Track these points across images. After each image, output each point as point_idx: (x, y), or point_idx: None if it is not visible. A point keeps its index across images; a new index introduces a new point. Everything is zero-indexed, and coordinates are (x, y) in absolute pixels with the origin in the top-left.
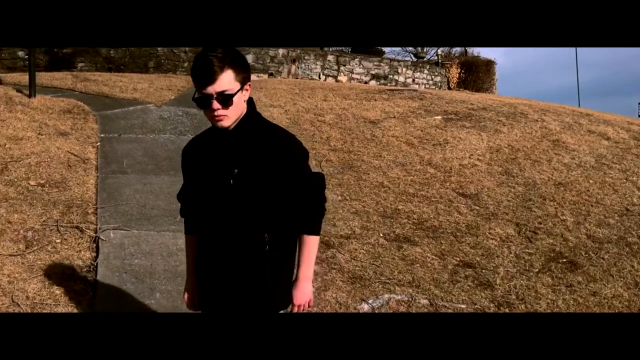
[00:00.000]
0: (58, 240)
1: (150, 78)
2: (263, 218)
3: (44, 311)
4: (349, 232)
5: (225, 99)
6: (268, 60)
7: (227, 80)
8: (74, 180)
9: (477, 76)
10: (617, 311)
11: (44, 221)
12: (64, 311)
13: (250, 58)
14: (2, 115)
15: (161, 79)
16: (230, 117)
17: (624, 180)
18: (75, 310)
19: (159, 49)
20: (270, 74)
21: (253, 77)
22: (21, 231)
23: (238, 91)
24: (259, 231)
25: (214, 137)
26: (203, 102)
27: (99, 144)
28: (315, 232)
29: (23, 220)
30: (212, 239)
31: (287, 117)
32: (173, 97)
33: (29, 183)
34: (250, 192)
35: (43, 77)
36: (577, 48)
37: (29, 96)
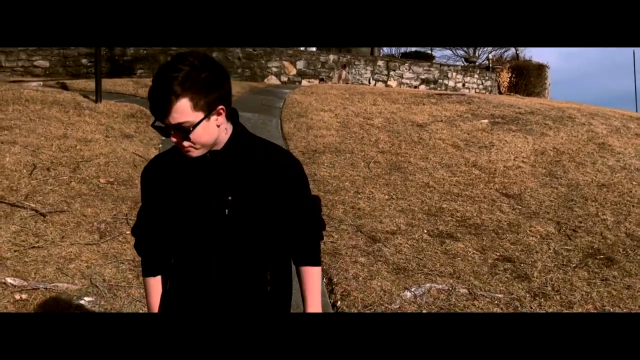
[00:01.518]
0: (128, 232)
1: None
2: (263, 252)
3: (118, 292)
4: (395, 229)
5: (184, 131)
6: (319, 66)
7: (183, 111)
8: (139, 178)
9: (528, 80)
10: None
11: (114, 215)
12: (137, 294)
13: (301, 64)
14: (71, 119)
15: None
16: (198, 147)
17: None
18: (131, 290)
19: (213, 55)
20: (321, 79)
21: (304, 82)
22: (95, 223)
23: (202, 120)
24: (259, 267)
25: (194, 158)
26: (163, 131)
27: (160, 145)
28: (319, 262)
29: (96, 213)
30: (197, 279)
31: (338, 120)
32: None
33: (99, 181)
34: (249, 223)
35: (106, 83)
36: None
37: (95, 101)
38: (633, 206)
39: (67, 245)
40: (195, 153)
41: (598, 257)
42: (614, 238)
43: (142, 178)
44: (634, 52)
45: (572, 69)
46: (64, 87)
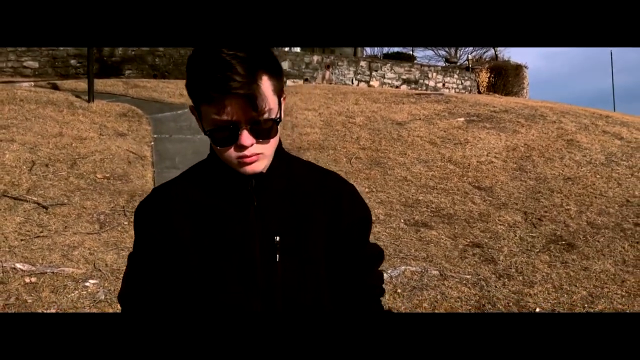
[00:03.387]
0: (126, 222)
1: None
2: (317, 308)
3: (120, 275)
4: (374, 219)
5: (264, 128)
6: (303, 67)
7: (267, 96)
8: (134, 174)
9: (506, 80)
10: (602, 283)
11: (112, 207)
12: None
13: (286, 64)
14: (66, 118)
15: None
16: (266, 155)
17: (629, 176)
18: None
19: None
20: (306, 80)
21: (289, 82)
22: (94, 215)
23: (279, 112)
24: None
25: (220, 187)
26: (224, 136)
27: (152, 143)
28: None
29: (95, 206)
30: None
31: (321, 119)
32: None
33: (96, 176)
34: (302, 272)
35: (96, 84)
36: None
37: (88, 101)
38: (595, 197)
39: (70, 234)
40: (260, 165)
41: (560, 243)
42: (575, 226)
43: (142, 218)
44: (611, 53)
45: (553, 69)
46: (55, 88)
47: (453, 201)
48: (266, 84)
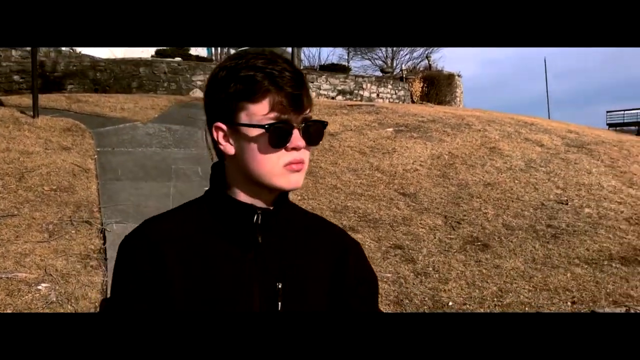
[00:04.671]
0: (73, 231)
1: (134, 98)
2: None
3: (70, 279)
4: None
5: (315, 130)
6: None
7: (311, 98)
8: (79, 186)
9: (438, 89)
10: (511, 279)
11: (60, 217)
12: (85, 280)
13: None
14: (12, 133)
15: (144, 99)
16: (306, 168)
17: (546, 181)
18: (95, 278)
19: (140, 70)
20: None
21: None
22: (44, 224)
23: None
24: None
25: (221, 221)
26: (277, 134)
27: (96, 156)
28: None
29: (43, 217)
30: None
31: None
32: (156, 115)
33: (43, 189)
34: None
35: (40, 99)
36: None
37: (33, 117)
38: (512, 201)
39: (22, 242)
40: (302, 179)
41: (476, 243)
42: (492, 228)
43: (130, 254)
44: (545, 60)
45: (490, 77)
46: (0, 103)
47: (379, 207)
48: (309, 91)
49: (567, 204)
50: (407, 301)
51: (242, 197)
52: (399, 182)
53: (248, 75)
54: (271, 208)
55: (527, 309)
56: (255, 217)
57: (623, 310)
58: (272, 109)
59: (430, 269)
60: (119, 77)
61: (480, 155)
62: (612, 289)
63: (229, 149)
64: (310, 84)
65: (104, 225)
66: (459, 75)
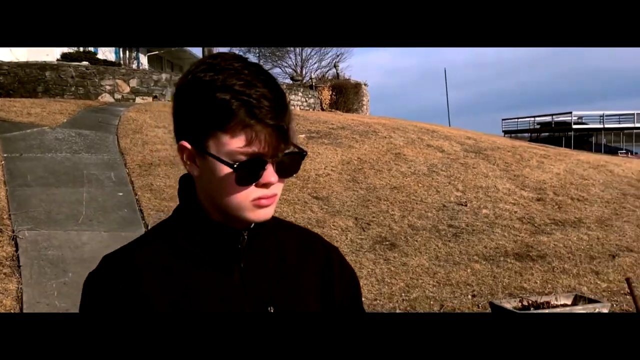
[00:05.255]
0: None
1: (41, 103)
2: None
3: None
4: None
5: (290, 163)
6: (152, 84)
7: (291, 127)
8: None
9: (347, 98)
10: (417, 275)
11: None
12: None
13: (134, 82)
14: None
15: (52, 104)
16: (278, 198)
17: (447, 184)
18: (9, 285)
19: (46, 74)
20: (155, 97)
21: (138, 100)
22: None
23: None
24: None
25: (201, 245)
26: (246, 173)
27: (3, 162)
28: None
29: None
30: None
31: (171, 136)
32: (65, 120)
33: None
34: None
35: None
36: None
37: None
38: (417, 203)
39: None
40: (272, 211)
41: (384, 243)
42: (398, 228)
43: (105, 298)
44: (445, 70)
45: (395, 86)
46: None
47: (294, 210)
48: (291, 117)
49: (466, 205)
50: None
51: (217, 216)
52: (312, 186)
53: (222, 101)
54: (251, 226)
55: (431, 302)
56: (240, 240)
57: (517, 301)
58: (246, 144)
59: None
60: (24, 81)
61: (386, 160)
62: (507, 282)
63: (194, 170)
64: None
65: (15, 232)
66: (365, 84)
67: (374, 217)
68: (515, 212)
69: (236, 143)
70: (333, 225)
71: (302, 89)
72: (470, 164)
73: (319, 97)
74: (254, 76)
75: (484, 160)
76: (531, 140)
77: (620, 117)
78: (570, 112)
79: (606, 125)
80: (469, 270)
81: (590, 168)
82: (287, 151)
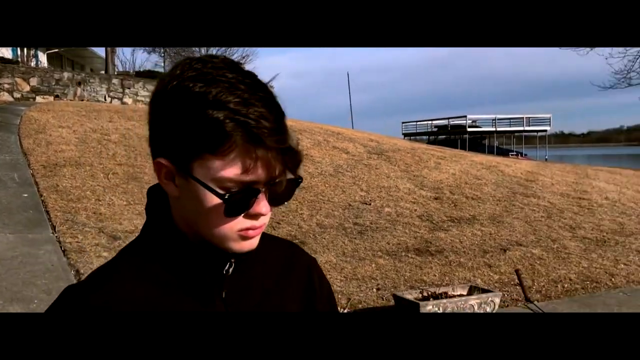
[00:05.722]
0: None
1: None
2: None
3: None
4: (133, 228)
5: (283, 192)
6: (53, 83)
7: (291, 149)
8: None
9: None
10: (325, 271)
11: None
12: None
13: (35, 81)
14: None
15: None
16: (265, 226)
17: (352, 184)
18: None
19: None
20: (56, 96)
21: (39, 99)
22: None
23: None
24: None
25: (181, 274)
26: (238, 202)
27: None
28: None
29: None
30: None
31: (76, 136)
32: None
33: None
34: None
35: None
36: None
37: None
38: (324, 203)
39: None
40: (257, 241)
41: (294, 241)
42: (307, 227)
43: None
44: (348, 74)
45: (303, 88)
46: None
47: None
48: (290, 133)
49: (370, 204)
50: None
51: (193, 238)
52: None
53: (215, 120)
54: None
55: (339, 296)
56: (227, 266)
57: (418, 292)
58: (242, 172)
59: None
60: None
61: None
62: (409, 276)
63: (172, 189)
64: (127, 90)
65: None
66: (271, 87)
67: (283, 216)
68: (415, 210)
69: (230, 170)
70: None
71: None
72: (373, 165)
73: None
74: (252, 93)
75: (386, 161)
76: (429, 142)
77: (511, 120)
78: (465, 116)
79: (498, 129)
80: (373, 265)
81: (483, 169)
82: (279, 179)
